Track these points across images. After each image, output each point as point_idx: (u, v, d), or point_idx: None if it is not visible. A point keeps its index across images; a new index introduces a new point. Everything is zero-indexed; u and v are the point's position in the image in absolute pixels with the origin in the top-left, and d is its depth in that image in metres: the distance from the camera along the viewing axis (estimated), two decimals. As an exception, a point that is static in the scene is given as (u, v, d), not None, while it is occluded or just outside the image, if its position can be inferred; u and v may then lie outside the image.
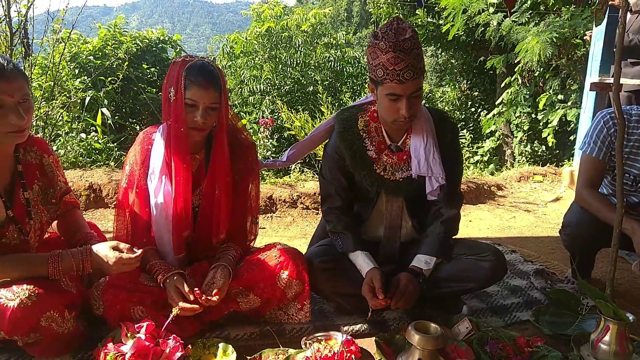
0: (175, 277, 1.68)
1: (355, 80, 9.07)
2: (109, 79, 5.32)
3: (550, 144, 7.08)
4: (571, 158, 6.07)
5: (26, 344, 1.49)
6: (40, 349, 1.52)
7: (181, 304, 1.61)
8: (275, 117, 6.97)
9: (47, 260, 1.52)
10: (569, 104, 6.82)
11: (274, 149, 5.62)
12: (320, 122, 4.97)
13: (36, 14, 4.13)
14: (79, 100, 5.11)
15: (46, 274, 1.51)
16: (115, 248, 1.56)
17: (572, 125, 6.72)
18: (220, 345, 1.64)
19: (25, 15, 4.01)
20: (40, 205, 1.66)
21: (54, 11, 4.42)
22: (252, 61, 8.44)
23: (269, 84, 8.19)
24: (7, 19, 3.86)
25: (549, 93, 7.10)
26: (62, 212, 1.81)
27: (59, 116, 4.63)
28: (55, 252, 1.54)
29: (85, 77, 6.32)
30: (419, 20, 9.65)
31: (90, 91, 5.72)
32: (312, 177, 4.41)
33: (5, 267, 1.47)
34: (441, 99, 11.32)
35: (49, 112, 4.36)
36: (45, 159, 1.73)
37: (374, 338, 1.73)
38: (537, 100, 7.32)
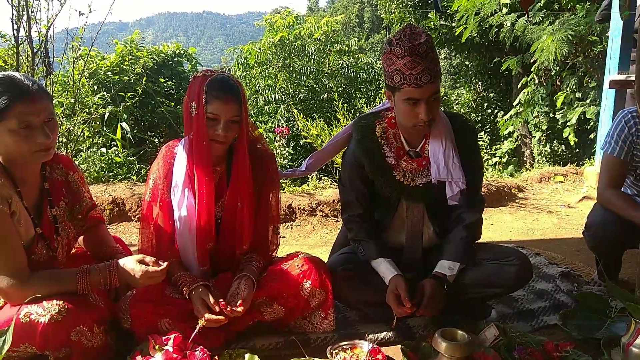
0: (200, 289, 1.70)
1: (369, 86, 9.08)
2: (129, 94, 5.41)
3: (572, 143, 6.97)
4: (592, 157, 5.97)
5: (57, 358, 1.51)
6: (71, 364, 1.54)
7: (207, 315, 1.63)
8: (291, 125, 7.00)
9: (76, 276, 1.54)
10: (588, 101, 6.72)
11: (290, 157, 5.65)
12: (336, 129, 4.98)
13: (55, 32, 4.21)
14: (99, 116, 5.20)
15: (75, 289, 1.54)
16: (141, 261, 1.58)
17: (592, 124, 6.62)
18: (247, 356, 1.64)
19: (46, 35, 4.10)
20: (67, 222, 1.70)
21: (72, 29, 4.52)
22: (267, 71, 8.51)
23: (283, 93, 8.25)
24: (29, 40, 3.96)
25: (567, 91, 7.01)
26: (88, 227, 1.85)
27: (80, 132, 4.72)
28: (83, 267, 1.57)
29: (104, 93, 6.43)
30: (432, 23, 9.62)
31: (109, 106, 5.83)
32: (331, 184, 4.41)
33: (35, 284, 1.49)
34: (456, 101, 11.24)
35: (71, 129, 4.44)
36: (71, 175, 1.76)
37: (399, 346, 1.71)
38: (554, 99, 7.22)
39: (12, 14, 3.86)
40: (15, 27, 3.90)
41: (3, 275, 1.46)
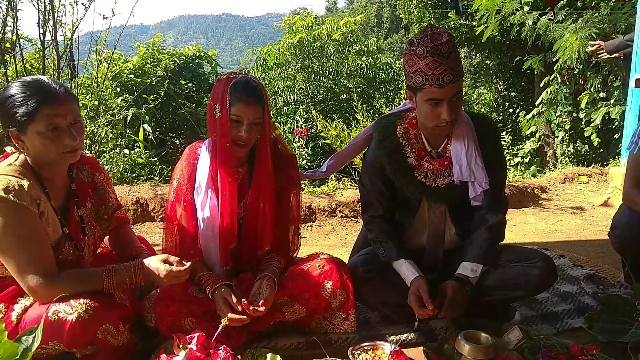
0: (223, 289, 1.72)
1: (388, 86, 9.04)
2: (151, 96, 5.50)
3: (595, 144, 6.84)
4: (617, 157, 5.85)
5: (84, 356, 1.54)
6: (97, 361, 1.57)
7: (229, 315, 1.64)
8: (310, 126, 7.02)
9: (102, 275, 1.57)
10: (612, 101, 6.59)
11: (309, 158, 5.66)
12: (355, 129, 4.97)
13: (79, 35, 4.30)
14: (121, 118, 5.29)
15: (101, 288, 1.57)
16: (165, 261, 1.61)
17: (616, 124, 6.48)
18: (268, 355, 1.65)
19: (71, 39, 4.19)
20: (93, 222, 1.73)
21: (96, 32, 4.60)
22: (285, 72, 8.54)
23: (302, 94, 8.26)
24: (54, 43, 4.05)
25: (591, 91, 6.88)
26: (114, 227, 1.88)
27: (104, 134, 4.80)
28: (109, 266, 1.60)
29: (127, 95, 6.54)
30: (452, 22, 9.54)
31: (132, 108, 5.92)
32: (350, 185, 4.41)
33: (63, 282, 1.53)
34: (477, 101, 11.12)
35: (95, 130, 4.52)
36: (97, 177, 1.80)
37: (421, 348, 1.71)
38: (578, 98, 7.09)
39: (39, 19, 3.95)
40: (41, 31, 3.99)
41: (32, 274, 1.49)
